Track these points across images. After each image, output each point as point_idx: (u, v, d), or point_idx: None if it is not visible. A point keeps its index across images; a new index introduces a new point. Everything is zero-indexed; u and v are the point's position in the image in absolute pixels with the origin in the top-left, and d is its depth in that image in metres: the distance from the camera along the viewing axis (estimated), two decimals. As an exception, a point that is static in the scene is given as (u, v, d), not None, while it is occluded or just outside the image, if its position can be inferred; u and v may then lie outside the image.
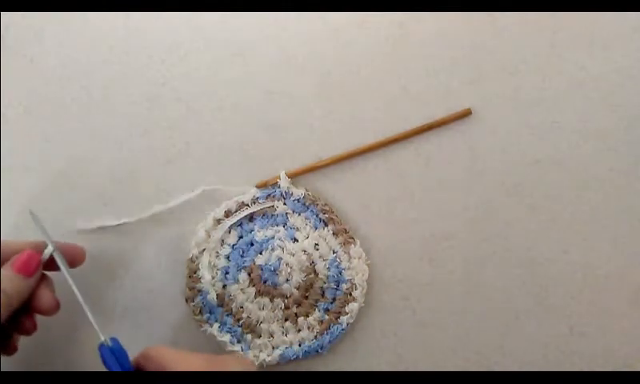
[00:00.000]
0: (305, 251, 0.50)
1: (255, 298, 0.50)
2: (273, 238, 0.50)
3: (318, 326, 0.49)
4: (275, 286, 0.50)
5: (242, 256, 0.50)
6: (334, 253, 0.50)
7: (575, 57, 0.51)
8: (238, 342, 0.50)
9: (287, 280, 0.50)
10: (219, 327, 0.50)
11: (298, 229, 0.50)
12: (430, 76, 0.52)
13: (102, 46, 0.54)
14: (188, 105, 0.53)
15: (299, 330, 0.50)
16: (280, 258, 0.50)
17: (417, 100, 0.52)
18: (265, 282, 0.50)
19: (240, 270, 0.50)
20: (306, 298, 0.50)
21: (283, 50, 0.53)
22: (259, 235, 0.50)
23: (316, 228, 0.50)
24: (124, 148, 0.54)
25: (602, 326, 0.50)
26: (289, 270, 0.50)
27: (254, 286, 0.50)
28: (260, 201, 0.51)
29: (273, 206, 0.51)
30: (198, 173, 0.53)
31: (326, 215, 0.50)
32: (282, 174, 0.50)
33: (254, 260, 0.50)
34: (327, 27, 0.53)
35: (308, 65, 0.53)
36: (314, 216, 0.50)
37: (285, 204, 0.50)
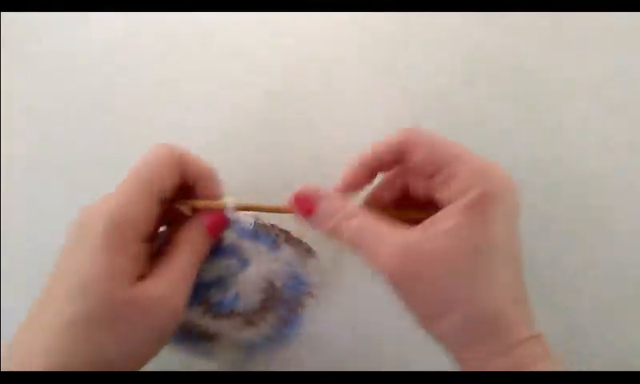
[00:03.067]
0: (262, 277, 0.43)
1: (212, 320, 0.43)
2: (224, 275, 0.42)
3: (278, 322, 0.45)
4: (232, 311, 0.44)
5: (193, 296, 0.40)
6: (294, 273, 0.44)
7: (575, 57, 0.51)
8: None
9: (244, 305, 0.44)
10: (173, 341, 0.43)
11: (251, 257, 0.43)
12: (430, 76, 0.52)
13: (102, 46, 0.54)
14: (188, 105, 0.53)
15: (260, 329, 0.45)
16: (237, 294, 0.42)
17: (417, 100, 0.52)
18: (221, 312, 0.43)
19: (192, 306, 0.42)
20: (266, 307, 0.44)
21: (283, 50, 0.53)
22: (209, 275, 0.42)
23: (273, 252, 0.43)
24: (124, 148, 0.54)
25: (602, 326, 0.50)
26: (246, 298, 0.43)
27: (211, 316, 0.43)
28: None
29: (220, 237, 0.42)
30: (198, 173, 0.53)
31: (283, 238, 0.43)
32: (230, 200, 0.41)
33: (207, 297, 0.42)
34: (327, 27, 0.53)
35: (308, 65, 0.53)
36: (270, 241, 0.43)
37: (234, 233, 0.42)
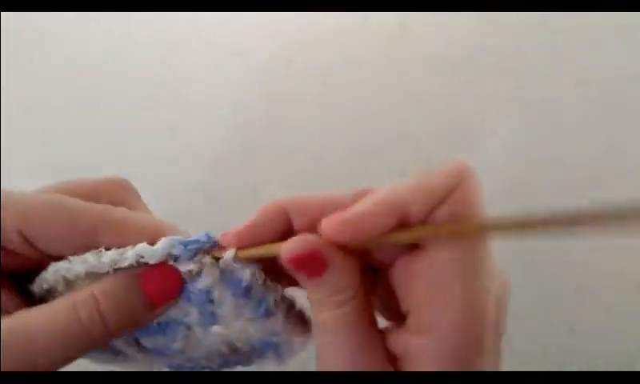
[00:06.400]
0: (227, 342, 0.29)
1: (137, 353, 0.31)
2: (172, 321, 0.28)
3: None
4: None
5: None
6: (273, 345, 0.30)
7: (575, 57, 0.51)
8: None
9: (187, 360, 0.31)
10: None
11: (222, 317, 0.27)
12: (430, 76, 0.52)
13: (102, 46, 0.54)
14: (188, 105, 0.53)
15: None
16: (182, 350, 0.29)
17: (417, 100, 0.51)
18: (151, 354, 0.30)
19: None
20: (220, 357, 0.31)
21: (283, 49, 0.53)
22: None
23: (258, 319, 0.28)
24: (124, 148, 0.54)
25: (601, 326, 0.50)
26: (191, 354, 0.30)
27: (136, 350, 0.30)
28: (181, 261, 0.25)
29: (191, 272, 0.25)
30: (198, 173, 0.53)
31: (282, 308, 0.28)
32: (230, 253, 0.25)
33: (137, 338, 0.29)
34: (327, 27, 0.53)
35: (308, 65, 0.53)
36: (262, 308, 0.27)
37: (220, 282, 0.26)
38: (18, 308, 0.24)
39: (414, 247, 0.22)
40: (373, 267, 0.24)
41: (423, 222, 0.21)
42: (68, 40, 0.55)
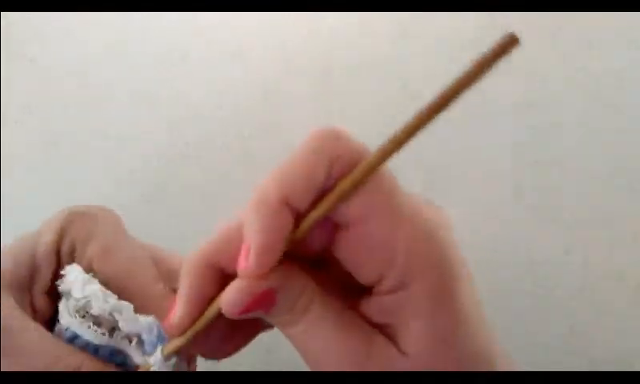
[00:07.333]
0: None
1: None
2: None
3: None
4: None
5: None
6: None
7: (575, 57, 0.51)
8: None
9: None
10: None
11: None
12: (430, 76, 0.52)
13: (102, 46, 0.54)
14: (188, 105, 0.53)
15: None
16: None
17: (417, 100, 0.51)
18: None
19: None
20: None
21: (283, 50, 0.53)
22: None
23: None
24: (124, 148, 0.54)
25: (602, 326, 0.50)
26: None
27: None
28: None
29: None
30: (198, 173, 0.53)
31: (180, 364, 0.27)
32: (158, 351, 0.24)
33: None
34: (327, 27, 0.53)
35: (308, 65, 0.53)
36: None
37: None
38: (46, 306, 0.26)
39: (341, 224, 0.22)
40: (316, 256, 0.23)
41: (315, 200, 0.20)
42: (68, 40, 0.55)
